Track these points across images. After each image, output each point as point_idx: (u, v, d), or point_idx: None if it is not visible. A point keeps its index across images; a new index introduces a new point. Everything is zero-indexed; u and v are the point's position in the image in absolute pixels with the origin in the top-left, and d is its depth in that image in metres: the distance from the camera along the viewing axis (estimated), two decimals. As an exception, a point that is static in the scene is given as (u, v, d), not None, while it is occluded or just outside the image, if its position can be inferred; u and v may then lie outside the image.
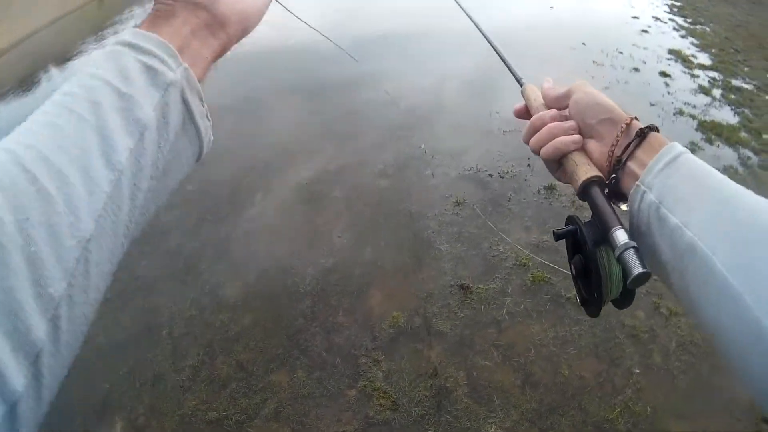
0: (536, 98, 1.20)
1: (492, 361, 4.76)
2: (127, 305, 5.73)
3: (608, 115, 0.97)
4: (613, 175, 0.94)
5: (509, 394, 4.50)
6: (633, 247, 0.82)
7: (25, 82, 14.07)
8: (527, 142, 1.12)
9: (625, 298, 0.95)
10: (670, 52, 11.65)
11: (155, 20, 0.79)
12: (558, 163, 1.06)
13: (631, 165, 0.91)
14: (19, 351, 0.49)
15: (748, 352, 0.63)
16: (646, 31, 12.80)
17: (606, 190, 0.95)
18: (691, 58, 11.46)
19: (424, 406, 4.46)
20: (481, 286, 5.45)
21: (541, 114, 1.09)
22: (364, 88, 10.01)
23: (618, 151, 0.93)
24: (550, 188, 6.79)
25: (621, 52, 11.24)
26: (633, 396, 4.46)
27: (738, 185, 0.75)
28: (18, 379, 0.49)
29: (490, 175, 7.18)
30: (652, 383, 4.59)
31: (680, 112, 9.03)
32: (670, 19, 14.08)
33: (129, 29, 0.76)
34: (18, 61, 16.92)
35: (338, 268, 5.88)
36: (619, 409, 4.35)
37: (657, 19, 13.96)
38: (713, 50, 12.12)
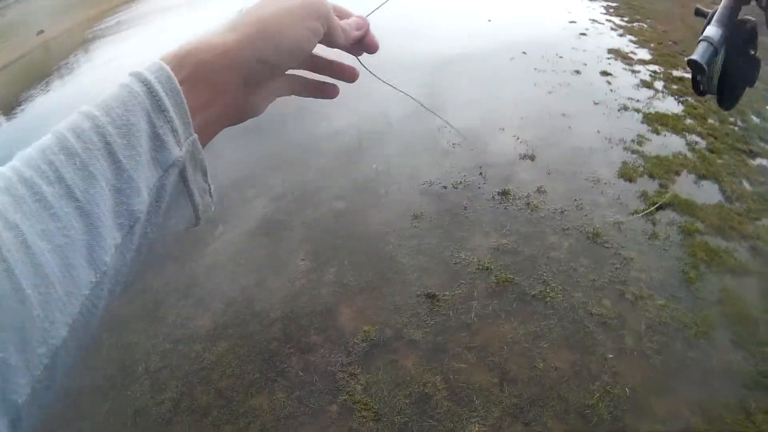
0: None
1: (467, 363, 4.82)
2: (101, 346, 5.71)
3: None
4: None
5: (488, 393, 4.56)
6: (707, 41, 0.95)
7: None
8: None
9: (721, 95, 1.10)
10: (610, 51, 11.80)
11: (199, 52, 0.67)
12: None
13: None
14: None
15: None
16: (584, 34, 12.94)
17: None
18: (631, 55, 11.65)
19: (406, 413, 4.50)
20: (447, 293, 5.52)
21: None
22: (308, 117, 10.06)
23: None
24: (504, 193, 6.91)
25: (561, 57, 11.37)
26: (610, 380, 4.53)
27: None
28: None
29: (444, 187, 7.27)
30: (628, 366, 4.66)
31: (624, 108, 9.15)
32: (607, 20, 14.25)
33: (161, 60, 0.65)
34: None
35: (305, 290, 5.92)
36: (598, 395, 4.42)
37: (594, 21, 14.09)
38: (652, 45, 12.31)
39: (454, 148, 8.19)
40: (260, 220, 7.36)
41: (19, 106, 15.96)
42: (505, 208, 6.67)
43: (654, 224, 6.23)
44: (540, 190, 6.89)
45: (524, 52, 11.76)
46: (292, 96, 0.89)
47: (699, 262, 5.63)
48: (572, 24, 13.76)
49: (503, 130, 8.38)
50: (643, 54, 11.73)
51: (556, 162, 7.50)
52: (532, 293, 5.39)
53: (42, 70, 19.90)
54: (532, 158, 7.64)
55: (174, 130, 0.62)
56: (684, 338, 4.86)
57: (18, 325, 0.47)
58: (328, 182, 7.91)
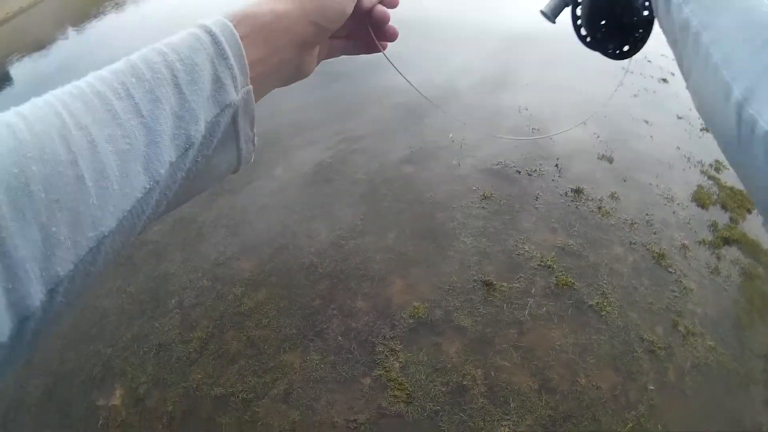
0: None
1: (511, 362, 4.67)
2: (137, 271, 5.68)
3: None
4: None
5: (525, 398, 4.42)
6: None
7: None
8: None
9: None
10: (699, 65, 11.50)
11: (258, 15, 0.74)
12: None
13: None
14: (11, 309, 0.50)
15: (717, 111, 0.74)
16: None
17: None
18: (720, 73, 11.32)
19: (439, 401, 4.37)
20: (504, 284, 5.34)
21: None
22: (387, 73, 9.96)
23: None
24: (578, 191, 6.67)
25: (650, 61, 11.04)
26: (646, 412, 4.39)
27: None
28: (2, 335, 0.49)
29: (518, 172, 7.05)
30: (666, 401, 4.52)
31: (707, 128, 8.77)
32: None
33: (223, 17, 0.71)
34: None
35: (359, 251, 5.79)
36: (631, 425, 4.28)
37: (687, 30, 13.77)
38: (742, 67, 12.01)
39: (533, 132, 7.95)
40: (322, 169, 7.25)
41: (89, 21, 16.13)
42: (577, 207, 6.46)
43: (718, 258, 6.00)
44: (613, 196, 6.66)
45: (613, 47, 11.49)
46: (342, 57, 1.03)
47: (754, 310, 5.45)
48: (664, 28, 13.51)
49: (585, 124, 8.16)
50: (733, 75, 11.44)
51: (633, 170, 7.28)
52: (589, 303, 5.21)
53: (79, 13, 20.15)
54: (610, 160, 7.41)
55: (233, 77, 0.68)
56: (725, 386, 4.72)
57: (74, 207, 0.53)
58: (398, 141, 7.79)
